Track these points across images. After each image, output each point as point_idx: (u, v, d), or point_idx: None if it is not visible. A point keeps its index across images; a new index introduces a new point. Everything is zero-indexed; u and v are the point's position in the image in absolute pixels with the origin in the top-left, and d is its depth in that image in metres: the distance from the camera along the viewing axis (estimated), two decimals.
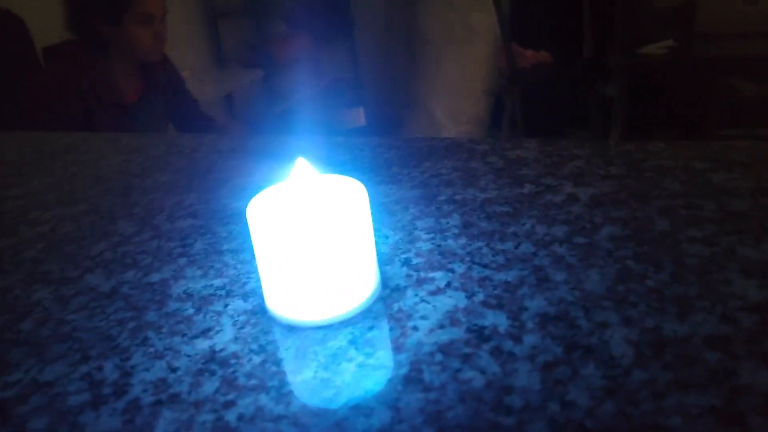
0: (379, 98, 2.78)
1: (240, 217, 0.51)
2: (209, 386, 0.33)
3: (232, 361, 0.35)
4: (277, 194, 0.38)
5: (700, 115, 2.34)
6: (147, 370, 0.35)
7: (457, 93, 2.87)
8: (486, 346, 0.33)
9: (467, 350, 0.33)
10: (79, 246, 0.51)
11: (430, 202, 0.50)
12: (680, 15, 2.49)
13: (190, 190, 0.60)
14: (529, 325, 0.35)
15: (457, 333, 0.35)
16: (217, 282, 0.43)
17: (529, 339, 0.34)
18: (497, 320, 0.35)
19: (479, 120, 2.65)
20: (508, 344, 0.33)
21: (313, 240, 0.35)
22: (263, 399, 0.32)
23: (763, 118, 2.28)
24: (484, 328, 0.35)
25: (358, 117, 2.21)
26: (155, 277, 0.45)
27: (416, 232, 0.46)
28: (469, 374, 0.32)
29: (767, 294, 0.35)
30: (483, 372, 0.32)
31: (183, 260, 0.46)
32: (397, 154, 0.62)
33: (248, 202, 0.37)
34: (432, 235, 0.45)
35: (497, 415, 0.29)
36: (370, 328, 0.36)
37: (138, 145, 0.76)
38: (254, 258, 0.45)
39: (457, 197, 0.50)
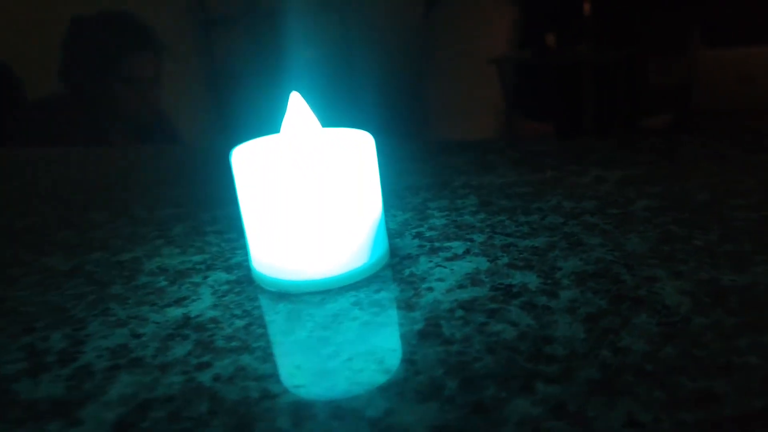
0: None
1: (226, 202, 0.47)
2: (180, 350, 0.28)
3: (210, 326, 0.30)
4: (269, 142, 0.35)
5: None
6: (105, 337, 0.30)
7: None
8: (515, 302, 0.29)
9: (493, 306, 0.29)
10: (40, 235, 0.47)
11: (444, 188, 0.47)
12: (678, 92, 2.62)
13: (175, 185, 0.56)
14: (565, 282, 0.31)
15: (480, 292, 0.31)
16: (197, 258, 0.39)
17: (566, 294, 0.30)
18: (526, 279, 0.31)
19: None
20: (542, 299, 0.29)
21: (310, 193, 0.31)
22: (246, 359, 0.27)
23: None
24: (511, 286, 0.31)
25: None
26: (125, 257, 0.40)
27: (429, 211, 0.43)
28: (497, 327, 0.27)
29: None
30: (515, 324, 0.27)
31: (160, 241, 0.42)
32: (407, 153, 0.60)
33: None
34: (446, 212, 0.42)
35: (537, 364, 0.24)
36: (378, 291, 0.32)
37: (122, 155, 0.73)
38: (241, 237, 0.41)
39: (474, 182, 0.47)
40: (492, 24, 2.87)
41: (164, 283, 0.36)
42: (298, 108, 0.33)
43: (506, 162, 0.52)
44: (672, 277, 0.30)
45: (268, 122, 0.33)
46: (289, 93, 0.34)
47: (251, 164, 0.32)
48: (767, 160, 0.45)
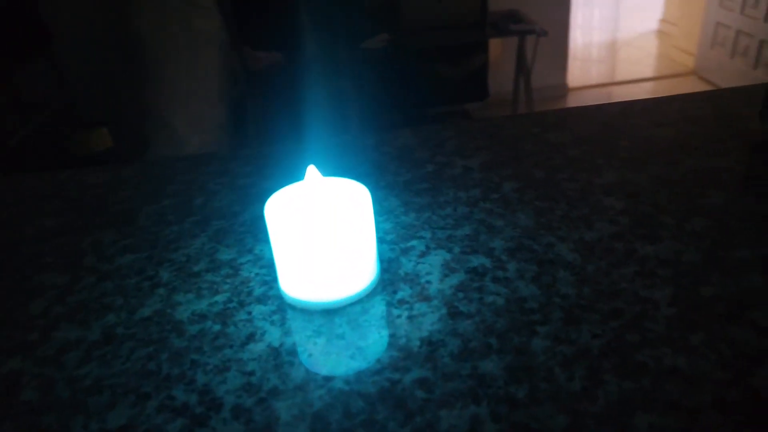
0: (115, 114, 2.63)
1: (192, 240, 0.55)
2: (298, 372, 0.41)
3: (299, 349, 0.43)
4: (292, 195, 0.46)
5: (414, 99, 2.94)
6: (223, 383, 0.40)
7: (191, 101, 2.91)
8: (486, 279, 0.48)
9: (476, 284, 0.47)
10: (7, 310, 0.49)
11: None
12: (386, 12, 3.02)
13: (100, 228, 0.60)
14: (504, 258, 0.50)
15: (460, 276, 0.49)
16: (219, 298, 0.48)
17: (511, 266, 0.49)
18: (480, 261, 0.50)
19: (221, 126, 2.77)
20: (500, 273, 0.49)
21: (337, 234, 0.44)
22: (354, 363, 0.41)
23: (461, 95, 3.01)
24: (475, 268, 0.49)
25: (103, 138, 2.09)
26: (146, 312, 0.47)
27: None
28: (490, 299, 0.46)
29: (624, 204, 0.57)
30: (498, 294, 0.46)
31: (161, 290, 0.50)
32: (293, 158, 0.71)
33: (185, 224, 0.43)
34: (385, 216, 0.58)
35: (528, 316, 0.44)
36: (395, 292, 0.47)
37: None
38: (241, 271, 0.51)
39: (382, 183, 0.63)
40: None
41: (217, 326, 0.45)
42: (314, 176, 0.45)
43: (390, 159, 0.69)
44: (559, 241, 0.52)
45: None
46: None
47: (285, 217, 0.44)
48: (557, 136, 0.71)
